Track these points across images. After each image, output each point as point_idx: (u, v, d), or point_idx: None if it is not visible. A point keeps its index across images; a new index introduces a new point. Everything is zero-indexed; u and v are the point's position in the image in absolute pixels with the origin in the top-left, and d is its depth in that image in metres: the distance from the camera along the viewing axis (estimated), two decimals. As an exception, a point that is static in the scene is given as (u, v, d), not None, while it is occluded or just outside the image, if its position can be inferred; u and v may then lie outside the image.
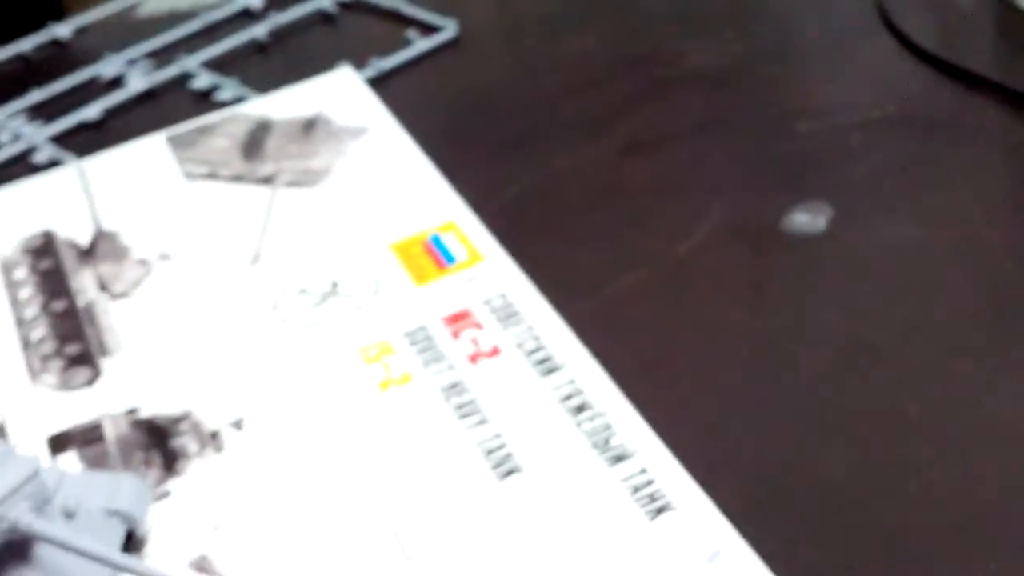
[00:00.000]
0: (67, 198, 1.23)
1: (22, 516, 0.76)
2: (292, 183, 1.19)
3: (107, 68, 1.44)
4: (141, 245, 1.14)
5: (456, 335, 0.98)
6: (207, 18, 1.51)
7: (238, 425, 0.95)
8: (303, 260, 1.09)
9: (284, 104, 1.30)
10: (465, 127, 1.26)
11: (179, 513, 0.87)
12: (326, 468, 0.90)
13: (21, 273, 1.14)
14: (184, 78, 1.41)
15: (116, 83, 1.42)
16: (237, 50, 1.45)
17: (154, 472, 0.91)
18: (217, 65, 1.43)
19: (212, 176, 1.22)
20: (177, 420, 0.96)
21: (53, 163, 1.30)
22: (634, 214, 1.11)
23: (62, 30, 1.53)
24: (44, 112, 1.39)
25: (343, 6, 1.51)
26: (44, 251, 1.16)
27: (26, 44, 1.51)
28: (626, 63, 1.32)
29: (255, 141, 1.26)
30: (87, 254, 1.15)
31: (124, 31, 1.54)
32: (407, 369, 0.97)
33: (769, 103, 1.23)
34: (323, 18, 1.50)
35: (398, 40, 1.41)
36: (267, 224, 1.15)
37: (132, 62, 1.44)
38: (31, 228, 1.19)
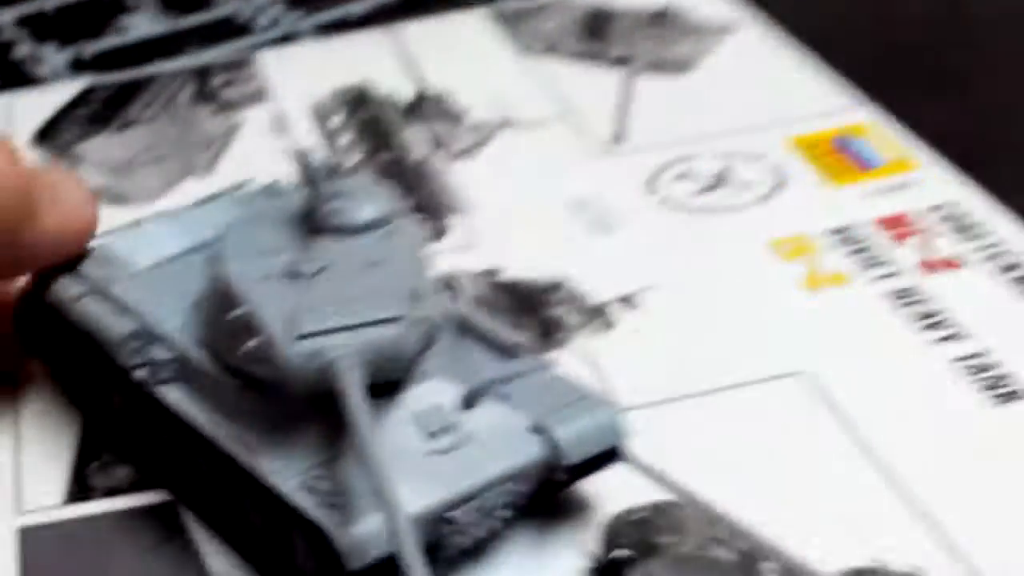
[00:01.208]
0: (384, 57, 1.06)
1: None
2: (653, 67, 1.02)
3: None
4: (478, 109, 0.97)
5: (899, 239, 0.80)
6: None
7: (629, 302, 0.77)
8: (677, 145, 0.92)
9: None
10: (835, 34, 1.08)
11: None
12: (739, 357, 0.72)
13: (337, 120, 0.98)
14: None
15: None
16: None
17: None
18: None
19: (551, 51, 1.05)
20: (548, 289, 0.79)
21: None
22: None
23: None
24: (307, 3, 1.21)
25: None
26: (360, 102, 1.00)
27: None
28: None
29: (596, 25, 1.08)
30: (412, 111, 0.98)
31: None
32: (838, 269, 0.78)
33: None
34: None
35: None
36: (628, 105, 0.97)
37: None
38: (344, 80, 1.03)
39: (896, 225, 0.81)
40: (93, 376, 0.68)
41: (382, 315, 0.58)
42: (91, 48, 1.11)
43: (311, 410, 0.59)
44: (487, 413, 0.61)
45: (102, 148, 0.96)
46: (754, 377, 0.71)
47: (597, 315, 0.76)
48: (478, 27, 1.10)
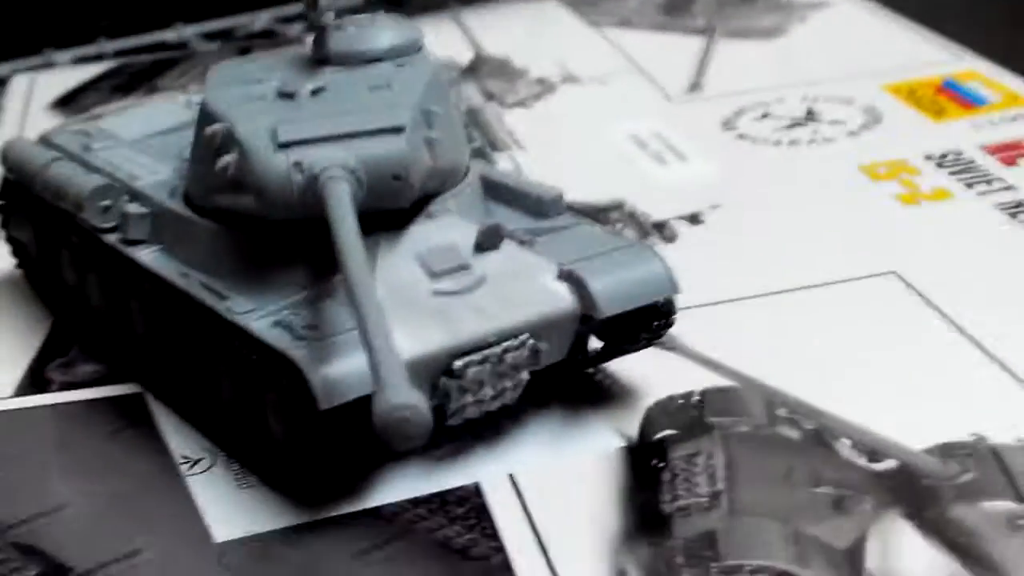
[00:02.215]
0: (442, 35, 0.98)
1: None
2: (734, 35, 0.92)
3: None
4: (539, 67, 0.88)
5: (1008, 163, 0.69)
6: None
7: (694, 219, 0.66)
8: (759, 91, 0.82)
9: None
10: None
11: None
12: (822, 259, 0.62)
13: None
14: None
15: None
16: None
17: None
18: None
19: (624, 24, 0.96)
20: (605, 208, 0.68)
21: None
22: None
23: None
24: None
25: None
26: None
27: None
28: None
29: (680, 3, 0.99)
30: (469, 71, 0.89)
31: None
32: (940, 186, 0.67)
33: None
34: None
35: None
36: (705, 61, 0.88)
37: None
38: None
39: (1006, 150, 0.71)
40: (63, 256, 0.58)
41: (381, 124, 0.48)
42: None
43: (294, 244, 0.49)
44: (507, 256, 0.50)
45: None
46: (838, 277, 0.59)
47: (658, 229, 0.66)
48: (544, 10, 1.02)
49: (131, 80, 0.94)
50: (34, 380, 0.57)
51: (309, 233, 0.47)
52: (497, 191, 0.55)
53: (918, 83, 0.81)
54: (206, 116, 0.50)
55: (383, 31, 0.52)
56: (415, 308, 0.47)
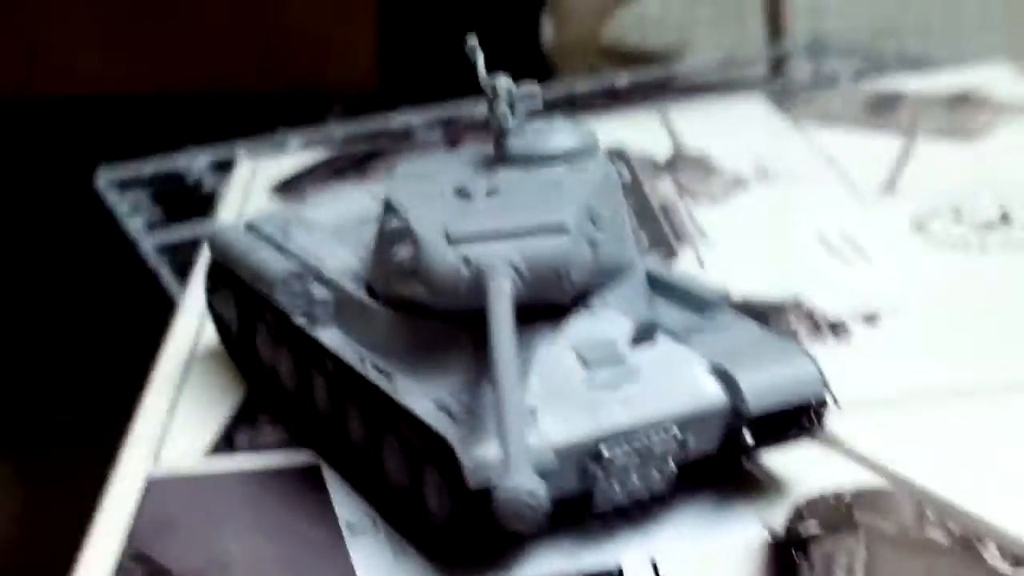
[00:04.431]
0: (644, 127, 1.01)
1: None
2: (939, 133, 0.92)
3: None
4: (735, 166, 0.90)
5: None
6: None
7: (872, 320, 0.67)
8: (954, 192, 0.81)
9: (919, 81, 1.04)
10: None
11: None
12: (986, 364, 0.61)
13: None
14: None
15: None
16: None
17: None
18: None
19: (826, 123, 0.97)
20: (781, 307, 0.69)
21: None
22: None
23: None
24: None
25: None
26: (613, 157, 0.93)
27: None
28: None
29: (886, 103, 1.00)
30: (666, 167, 0.91)
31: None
32: None
33: None
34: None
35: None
36: (904, 161, 0.87)
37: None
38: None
39: None
40: (259, 332, 0.63)
41: (546, 223, 0.50)
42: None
43: (464, 330, 0.51)
44: (660, 351, 0.52)
45: (337, 191, 0.93)
46: (999, 384, 0.59)
47: (832, 329, 0.66)
48: (748, 105, 1.03)
49: (347, 166, 0.99)
50: (223, 443, 0.61)
51: (475, 323, 0.49)
52: (662, 287, 0.56)
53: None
54: (387, 210, 0.54)
55: (559, 134, 0.55)
56: (568, 397, 0.49)
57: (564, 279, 0.50)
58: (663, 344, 0.52)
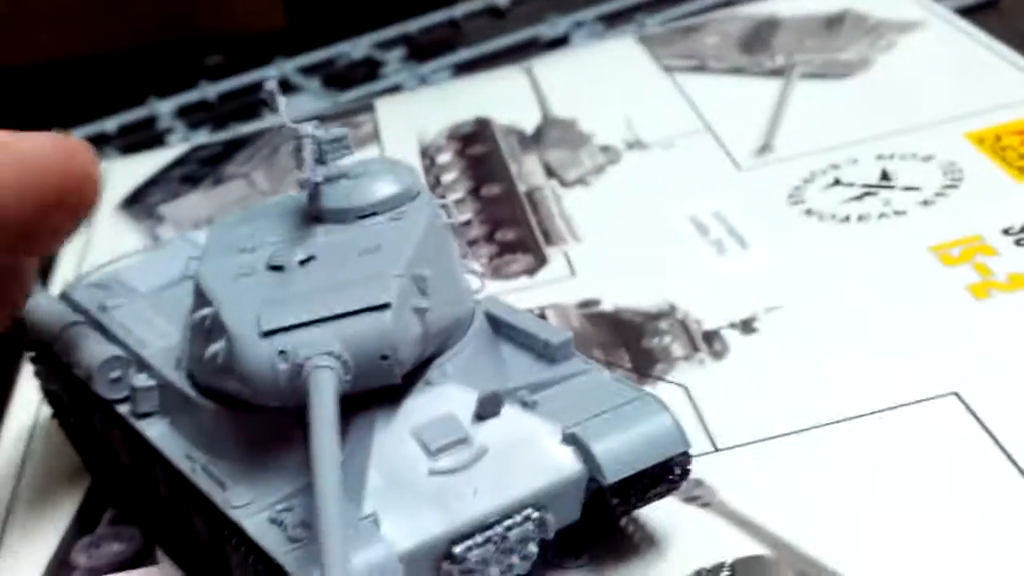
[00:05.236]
0: (512, 91, 0.95)
1: None
2: (813, 75, 0.87)
3: (549, 30, 1.11)
4: (605, 133, 0.85)
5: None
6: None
7: (747, 327, 0.62)
8: (832, 151, 0.77)
9: (795, 3, 0.98)
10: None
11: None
12: (896, 377, 0.56)
13: (445, 157, 0.87)
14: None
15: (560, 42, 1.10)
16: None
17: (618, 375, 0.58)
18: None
19: (699, 69, 0.92)
20: (654, 317, 0.65)
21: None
22: None
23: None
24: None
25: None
26: (475, 137, 0.88)
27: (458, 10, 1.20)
28: None
29: (758, 36, 0.94)
30: (532, 140, 0.86)
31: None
32: (1017, 271, 0.62)
33: None
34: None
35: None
36: (779, 115, 0.83)
37: (580, 24, 1.11)
38: (461, 116, 0.92)
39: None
40: (92, 412, 0.58)
41: (367, 303, 0.46)
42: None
43: (295, 427, 0.47)
44: (507, 423, 0.48)
45: (187, 207, 0.88)
46: (892, 403, 0.56)
47: (708, 341, 0.62)
48: (619, 52, 0.98)
49: (201, 168, 0.93)
50: (60, 566, 0.56)
51: (304, 419, 0.45)
52: (506, 329, 0.53)
53: (1005, 128, 0.75)
54: (198, 295, 0.49)
55: (376, 182, 0.50)
56: (412, 491, 0.46)
57: (392, 360, 0.46)
58: (510, 414, 0.48)
